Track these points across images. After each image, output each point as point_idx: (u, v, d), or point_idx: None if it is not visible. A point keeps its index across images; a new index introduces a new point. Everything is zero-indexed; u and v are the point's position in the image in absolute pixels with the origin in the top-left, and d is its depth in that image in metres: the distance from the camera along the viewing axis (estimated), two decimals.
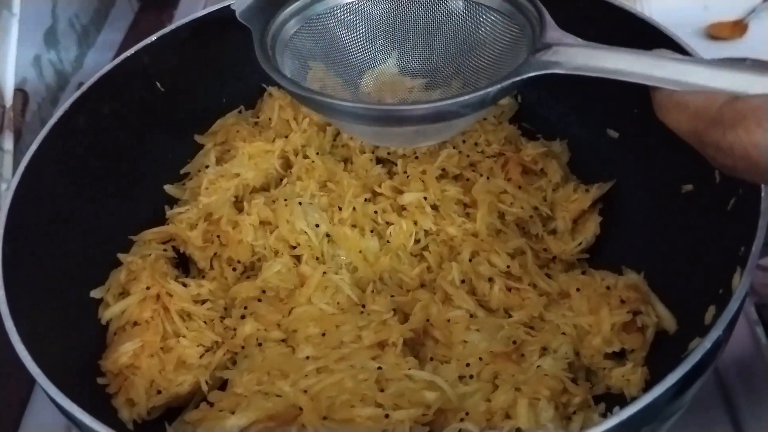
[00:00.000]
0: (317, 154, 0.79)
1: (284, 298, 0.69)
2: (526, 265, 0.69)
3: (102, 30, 1.19)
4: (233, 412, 0.58)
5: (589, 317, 0.63)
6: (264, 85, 0.84)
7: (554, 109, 0.81)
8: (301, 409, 0.57)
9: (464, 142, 0.79)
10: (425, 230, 0.73)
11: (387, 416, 0.57)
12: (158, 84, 0.77)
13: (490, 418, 0.58)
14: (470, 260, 0.71)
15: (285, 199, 0.73)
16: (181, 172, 0.81)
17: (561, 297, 0.67)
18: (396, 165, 0.78)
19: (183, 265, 0.75)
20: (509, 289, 0.68)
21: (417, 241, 0.73)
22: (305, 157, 0.79)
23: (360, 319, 0.66)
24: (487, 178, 0.75)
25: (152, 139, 0.78)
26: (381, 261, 0.71)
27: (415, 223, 0.73)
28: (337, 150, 0.82)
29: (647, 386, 0.59)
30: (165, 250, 0.74)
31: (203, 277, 0.73)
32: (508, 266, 0.69)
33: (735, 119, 0.38)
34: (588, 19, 0.59)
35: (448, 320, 0.65)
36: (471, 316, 0.66)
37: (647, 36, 0.67)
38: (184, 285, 0.69)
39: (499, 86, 0.46)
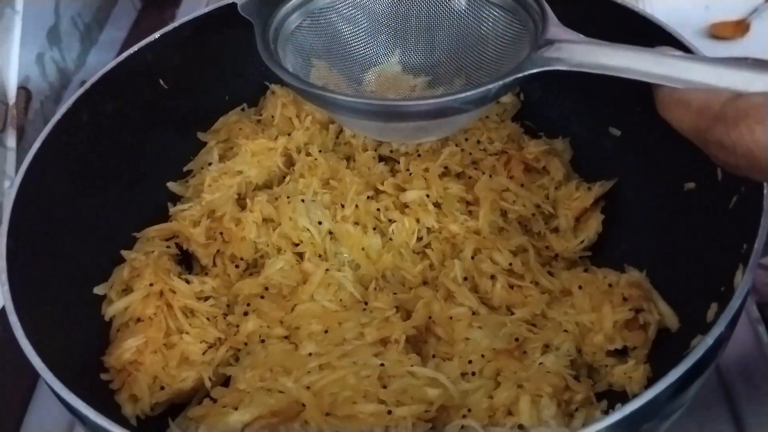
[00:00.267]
0: (320, 151, 0.79)
1: (287, 295, 0.69)
2: (528, 263, 0.69)
3: (104, 28, 1.19)
4: (236, 408, 0.58)
5: (592, 315, 0.63)
6: (267, 83, 0.85)
7: (557, 108, 0.82)
8: (303, 405, 0.58)
9: (467, 140, 0.79)
10: (428, 228, 0.73)
11: (389, 412, 0.57)
12: (161, 82, 0.78)
13: (492, 414, 0.58)
14: (473, 258, 0.71)
15: (288, 197, 0.73)
16: (184, 169, 0.81)
17: (563, 294, 0.67)
18: (398, 163, 0.78)
19: (186, 262, 0.75)
20: (511, 287, 0.68)
21: (419, 239, 0.73)
22: (308, 154, 0.79)
23: (362, 316, 0.66)
24: (490, 175, 0.75)
25: (155, 137, 0.79)
26: (383, 258, 0.72)
27: (418, 220, 0.73)
28: (340, 148, 0.82)
29: (649, 383, 0.59)
30: (168, 247, 0.74)
31: (206, 274, 0.73)
32: (511, 264, 0.69)
33: (737, 117, 0.39)
34: (590, 16, 0.59)
35: (451, 317, 0.65)
36: (473, 313, 0.66)
37: (649, 34, 0.67)
38: (187, 282, 0.69)
39: (501, 83, 0.46)
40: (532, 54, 0.47)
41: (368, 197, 0.75)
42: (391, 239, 0.73)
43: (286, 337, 0.66)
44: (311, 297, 0.68)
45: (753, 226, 0.54)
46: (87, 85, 0.71)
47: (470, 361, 0.62)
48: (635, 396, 0.47)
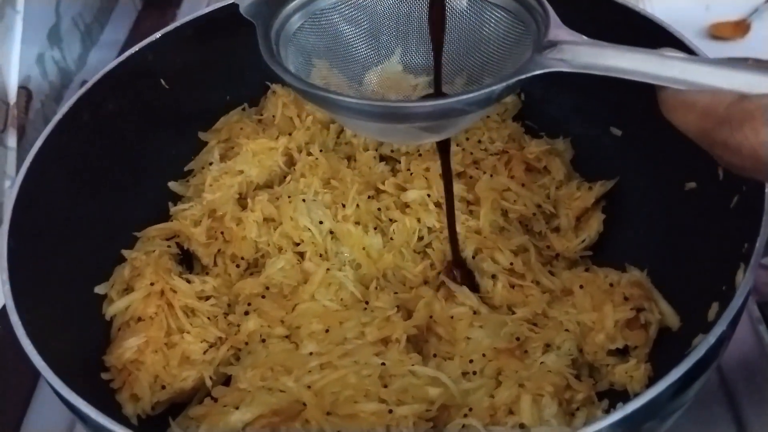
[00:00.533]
0: (321, 151, 0.79)
1: (288, 294, 0.69)
2: (529, 263, 0.69)
3: (105, 28, 1.19)
4: (237, 408, 0.58)
5: (593, 314, 0.63)
6: (268, 83, 0.85)
7: (558, 107, 0.81)
8: (304, 404, 0.58)
9: (468, 139, 0.79)
10: (428, 227, 0.73)
11: (390, 412, 0.57)
12: (162, 81, 0.78)
13: (493, 413, 0.58)
14: (473, 257, 0.71)
15: (289, 196, 0.73)
16: (185, 169, 0.81)
17: (564, 294, 0.67)
18: (399, 162, 0.78)
19: (187, 261, 0.75)
20: (512, 286, 0.68)
21: (420, 238, 0.73)
22: (309, 154, 0.79)
23: (363, 315, 0.66)
24: (491, 175, 0.75)
25: (156, 137, 0.79)
26: (384, 258, 0.72)
27: (419, 220, 0.73)
28: (341, 147, 0.82)
29: (650, 383, 0.59)
30: (169, 246, 0.74)
31: (207, 273, 0.73)
32: (512, 263, 0.69)
33: (743, 118, 0.39)
34: (590, 16, 0.59)
35: (452, 317, 0.66)
36: (474, 312, 0.66)
37: (650, 34, 0.67)
38: (188, 281, 0.69)
39: (504, 84, 0.46)
40: (535, 55, 0.47)
41: (369, 197, 0.75)
42: (392, 239, 0.73)
43: (287, 337, 0.66)
44: (312, 296, 0.68)
45: (754, 226, 0.54)
46: (88, 85, 0.71)
47: (471, 361, 0.62)
48: (636, 395, 0.47)
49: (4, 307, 0.56)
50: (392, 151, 0.80)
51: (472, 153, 0.77)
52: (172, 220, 0.76)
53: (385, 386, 0.59)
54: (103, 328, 0.67)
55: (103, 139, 0.73)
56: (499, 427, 0.57)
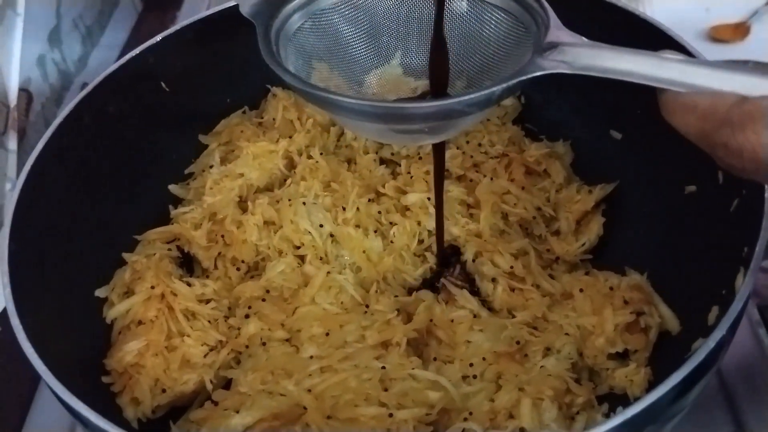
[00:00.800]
0: (321, 154, 0.79)
1: (288, 297, 0.69)
2: (529, 266, 0.69)
3: (106, 30, 1.19)
4: (238, 411, 0.58)
5: (593, 318, 0.63)
6: (268, 86, 0.85)
7: (558, 111, 0.82)
8: (305, 408, 0.58)
9: (468, 143, 0.79)
10: (429, 230, 0.73)
11: (391, 415, 0.57)
12: (163, 84, 0.78)
13: (493, 417, 0.58)
14: (474, 260, 0.71)
15: (289, 199, 0.73)
16: (186, 172, 0.82)
17: (564, 297, 0.67)
18: (400, 165, 0.78)
19: (187, 264, 0.76)
20: (512, 290, 0.68)
21: (420, 242, 0.73)
22: (309, 157, 0.79)
23: (364, 318, 0.66)
24: (491, 178, 0.75)
25: (157, 139, 0.79)
26: (384, 261, 0.72)
27: (419, 223, 0.73)
28: (341, 150, 0.83)
29: (650, 387, 0.59)
30: (169, 249, 0.74)
31: (207, 276, 0.73)
32: (512, 267, 0.69)
33: (744, 120, 0.39)
34: (590, 19, 0.59)
35: (452, 320, 0.66)
36: (474, 316, 0.66)
37: (650, 37, 0.67)
38: (189, 284, 0.69)
39: (504, 85, 0.46)
40: (535, 57, 0.47)
41: (369, 200, 0.75)
42: (392, 242, 0.73)
43: (287, 340, 0.66)
44: (312, 300, 0.68)
45: (754, 229, 0.54)
46: (89, 88, 0.71)
47: (471, 364, 0.62)
48: (636, 399, 0.47)
49: (4, 310, 0.56)
50: (392, 154, 0.80)
51: (472, 156, 0.77)
52: (172, 223, 0.76)
53: (386, 390, 0.59)
54: (103, 331, 0.67)
55: (104, 142, 0.73)
56: (499, 431, 0.57)
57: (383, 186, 0.76)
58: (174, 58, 0.77)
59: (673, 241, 0.67)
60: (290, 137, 0.81)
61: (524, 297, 0.67)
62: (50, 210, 0.66)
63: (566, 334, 0.63)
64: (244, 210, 0.75)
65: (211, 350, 0.66)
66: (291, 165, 0.80)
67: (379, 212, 0.74)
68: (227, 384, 0.65)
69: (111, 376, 0.64)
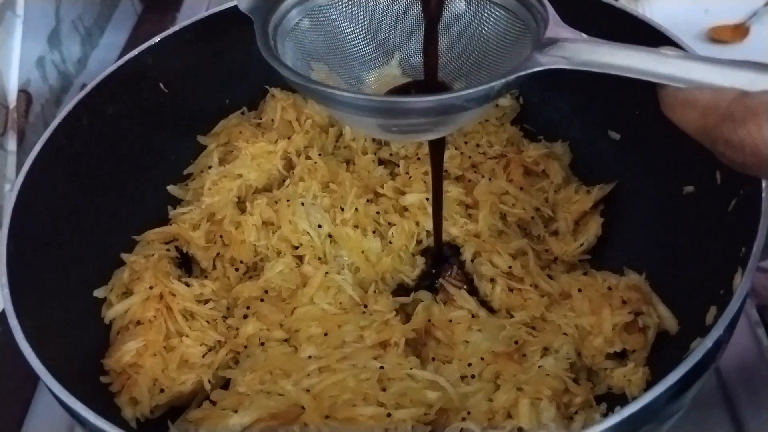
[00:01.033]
0: (320, 155, 0.79)
1: (286, 298, 0.69)
2: (527, 266, 0.69)
3: (105, 32, 1.19)
4: (236, 411, 0.58)
5: (591, 318, 0.63)
6: (267, 87, 0.85)
7: (556, 111, 0.82)
8: (303, 408, 0.58)
9: (466, 143, 0.79)
10: (427, 231, 0.73)
11: (389, 415, 0.57)
12: (161, 85, 0.78)
13: (491, 417, 0.58)
14: (472, 261, 0.71)
15: (287, 200, 0.73)
16: (184, 172, 0.82)
17: (562, 298, 0.67)
18: (398, 166, 0.78)
19: (186, 265, 0.76)
20: (511, 290, 0.68)
21: (419, 242, 0.73)
22: (308, 158, 0.79)
23: (362, 319, 0.66)
24: (489, 179, 0.75)
25: (155, 140, 0.79)
26: (383, 261, 0.72)
27: (417, 223, 0.74)
28: (340, 151, 0.83)
29: (648, 386, 0.59)
30: (168, 250, 0.74)
31: (206, 277, 0.73)
32: (510, 267, 0.69)
33: (745, 115, 0.39)
34: (589, 20, 0.59)
35: (450, 320, 0.66)
36: (473, 316, 0.66)
37: (649, 38, 0.66)
38: (187, 285, 0.69)
39: (504, 80, 0.46)
40: (534, 53, 0.47)
41: (368, 200, 0.75)
42: (390, 242, 0.73)
43: (285, 340, 0.66)
44: (311, 300, 0.68)
45: (752, 229, 0.54)
46: (87, 89, 0.71)
47: (470, 364, 0.62)
48: (634, 399, 0.47)
49: (2, 311, 0.56)
50: (391, 155, 0.80)
51: (470, 157, 0.78)
52: (171, 224, 0.76)
53: (384, 390, 0.59)
54: (102, 331, 0.67)
55: (103, 142, 0.73)
56: (497, 430, 0.57)
57: (382, 186, 0.76)
58: (173, 59, 0.77)
59: (671, 241, 0.67)
60: (289, 138, 0.81)
61: (522, 297, 0.67)
62: (49, 210, 0.66)
63: (564, 334, 0.63)
64: (243, 210, 0.75)
65: (209, 350, 0.66)
66: (289, 166, 0.80)
67: (378, 213, 0.74)
68: (226, 384, 0.65)
69: (109, 376, 0.64)
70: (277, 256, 0.72)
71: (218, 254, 0.73)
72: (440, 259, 0.73)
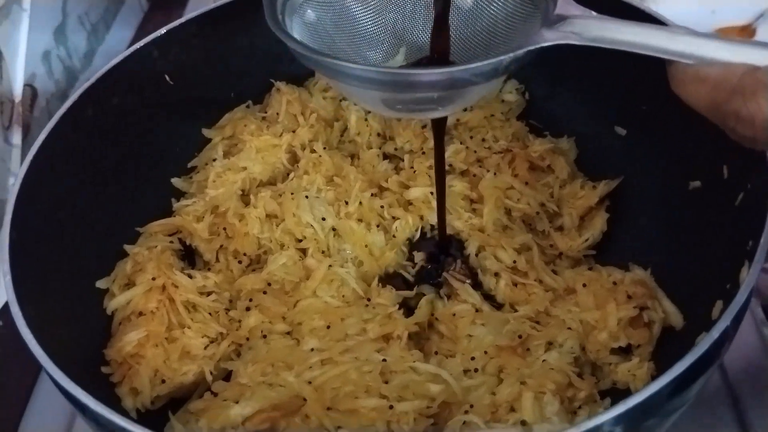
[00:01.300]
0: (324, 148, 0.79)
1: (289, 290, 0.69)
2: (532, 261, 0.69)
3: (111, 28, 1.19)
4: (237, 402, 0.57)
5: (596, 312, 0.63)
6: (272, 80, 0.85)
7: (562, 106, 0.81)
8: (305, 399, 0.57)
9: (471, 137, 0.79)
10: (431, 225, 0.73)
11: (391, 407, 0.57)
12: (167, 77, 0.78)
13: (494, 410, 0.57)
14: (476, 255, 0.71)
15: (291, 193, 0.73)
16: (189, 165, 0.82)
17: (567, 293, 0.66)
18: (403, 160, 0.78)
19: (189, 257, 0.75)
20: (515, 284, 0.68)
21: (423, 236, 0.73)
22: (312, 151, 0.79)
23: (365, 312, 0.66)
24: (494, 173, 0.75)
25: (160, 133, 0.79)
26: (386, 255, 0.72)
27: (422, 217, 0.73)
28: (344, 145, 0.83)
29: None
30: (171, 242, 0.74)
31: (209, 269, 0.73)
32: (515, 261, 0.69)
33: (755, 88, 0.39)
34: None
35: (454, 314, 0.65)
36: (476, 310, 0.66)
37: None
38: (190, 276, 0.69)
39: (512, 54, 0.46)
40: (543, 29, 0.46)
41: (372, 194, 0.75)
42: (394, 236, 0.73)
43: (288, 333, 0.66)
44: (314, 293, 0.68)
45: (759, 223, 0.53)
46: (92, 80, 0.71)
47: (473, 358, 0.61)
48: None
49: (6, 305, 0.55)
50: (396, 149, 0.80)
51: (475, 151, 0.77)
52: (174, 216, 0.76)
53: (386, 382, 0.59)
54: (104, 322, 0.67)
55: (107, 134, 0.73)
56: (500, 424, 0.56)
57: (386, 180, 0.76)
58: (178, 51, 0.77)
59: (676, 236, 0.67)
60: (293, 131, 0.81)
61: (527, 292, 0.67)
62: (52, 200, 0.66)
63: (569, 328, 0.63)
64: (247, 203, 0.75)
65: (211, 342, 0.66)
66: (294, 159, 0.80)
67: (382, 206, 0.74)
68: (227, 376, 0.64)
69: (110, 366, 0.63)
70: (280, 248, 0.72)
71: (221, 246, 0.73)
72: (442, 252, 0.72)
